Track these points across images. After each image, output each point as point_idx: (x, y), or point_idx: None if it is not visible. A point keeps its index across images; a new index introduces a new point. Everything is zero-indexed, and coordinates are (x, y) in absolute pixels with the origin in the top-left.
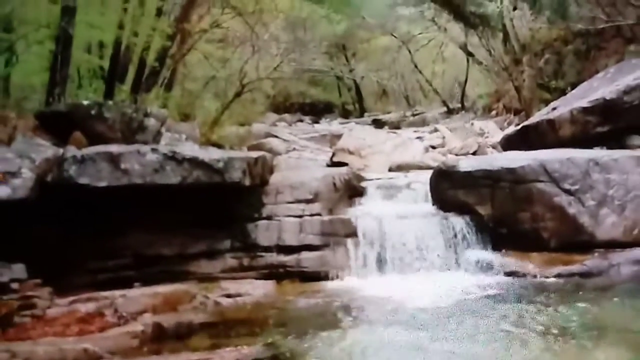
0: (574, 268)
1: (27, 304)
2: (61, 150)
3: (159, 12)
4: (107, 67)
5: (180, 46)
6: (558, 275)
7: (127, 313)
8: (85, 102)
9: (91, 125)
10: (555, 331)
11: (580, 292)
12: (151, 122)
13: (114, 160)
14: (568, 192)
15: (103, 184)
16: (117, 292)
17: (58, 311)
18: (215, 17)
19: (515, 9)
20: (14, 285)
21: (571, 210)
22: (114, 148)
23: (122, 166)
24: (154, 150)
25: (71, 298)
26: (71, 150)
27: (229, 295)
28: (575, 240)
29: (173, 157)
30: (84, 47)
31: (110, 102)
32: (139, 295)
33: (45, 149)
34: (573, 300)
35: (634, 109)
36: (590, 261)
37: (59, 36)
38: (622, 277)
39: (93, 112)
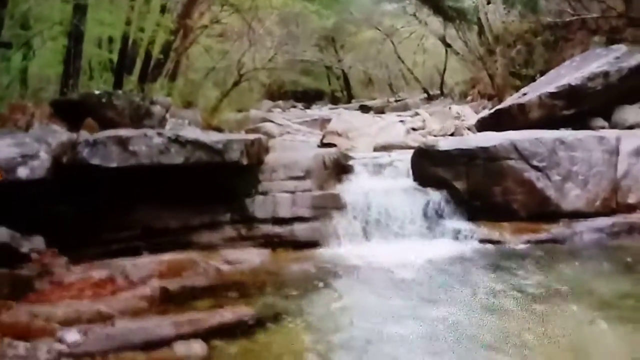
0: (541, 236)
1: (46, 272)
2: (75, 135)
3: (163, 10)
4: (116, 60)
5: (183, 40)
6: (527, 242)
7: (137, 278)
8: (96, 92)
9: (102, 112)
10: (524, 292)
11: (547, 257)
12: (157, 109)
13: (123, 143)
14: (536, 168)
15: (113, 164)
16: (127, 260)
17: (74, 278)
18: (215, 14)
19: (489, 2)
20: (34, 255)
21: (539, 184)
22: (123, 132)
23: (131, 148)
24: (159, 134)
25: (86, 266)
26: (84, 135)
27: (228, 262)
28: (542, 211)
29: (177, 140)
30: (95, 42)
31: (119, 92)
32: (147, 262)
33: (61, 134)
34: (540, 263)
35: (596, 93)
36: (556, 229)
37: (71, 32)
38: (584, 243)
39: (104, 100)
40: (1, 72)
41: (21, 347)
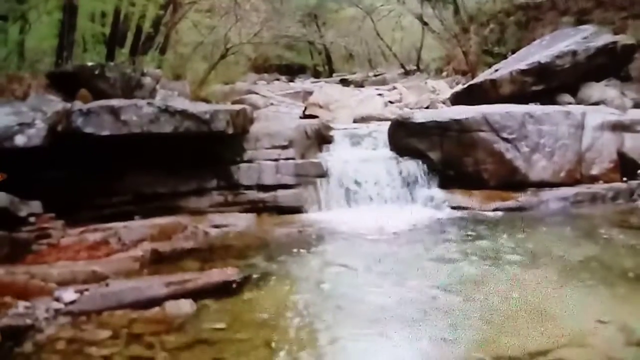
0: (510, 203)
1: (43, 235)
2: (69, 105)
3: None
4: (109, 34)
5: (172, 15)
6: (496, 209)
7: (129, 241)
8: (89, 64)
9: (95, 83)
10: (493, 255)
11: (515, 223)
12: (147, 81)
13: (115, 112)
14: (506, 140)
15: (106, 132)
16: (120, 224)
17: (69, 240)
18: None
19: None
20: (32, 219)
21: (508, 155)
22: (114, 102)
23: (122, 118)
24: (149, 104)
25: (81, 229)
26: (78, 105)
27: (215, 226)
28: (511, 180)
29: (166, 110)
30: (88, 16)
31: (112, 64)
32: (138, 226)
33: (56, 104)
34: (508, 229)
35: (564, 71)
36: (524, 198)
37: (65, 6)
38: (550, 211)
39: (97, 72)
40: None
41: (21, 305)
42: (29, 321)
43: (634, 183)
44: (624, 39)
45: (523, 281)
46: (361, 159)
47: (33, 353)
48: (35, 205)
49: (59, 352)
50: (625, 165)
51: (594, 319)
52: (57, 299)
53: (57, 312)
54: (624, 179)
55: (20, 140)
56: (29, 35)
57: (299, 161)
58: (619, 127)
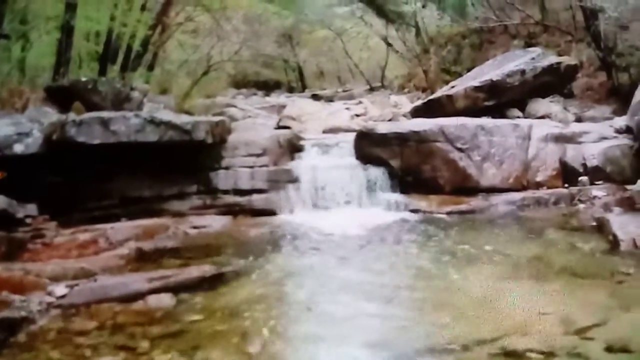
0: (463, 207)
1: (38, 235)
2: (64, 116)
3: (143, 8)
4: (101, 51)
5: (160, 35)
6: (450, 212)
7: (116, 240)
8: (83, 79)
9: (88, 96)
10: (446, 253)
11: (467, 225)
12: (135, 95)
13: (105, 123)
14: (460, 149)
15: (96, 141)
16: (108, 225)
17: (62, 240)
18: (189, 13)
19: (424, 6)
20: (28, 220)
21: (462, 163)
22: (105, 114)
23: (112, 128)
24: (136, 115)
25: (72, 230)
26: (72, 116)
27: (195, 227)
28: (464, 186)
29: (152, 121)
30: (84, 36)
31: (104, 79)
32: (125, 227)
33: (51, 115)
34: (461, 230)
35: (513, 88)
36: (475, 202)
37: (63, 27)
38: (498, 213)
39: (90, 86)
40: (2, 61)
41: (16, 299)
42: (23, 313)
43: (574, 189)
44: (567, 60)
45: (472, 276)
46: (329, 166)
47: (27, 342)
48: (31, 208)
49: (50, 342)
50: (566, 173)
51: (537, 311)
52: (50, 293)
53: (49, 305)
54: (566, 185)
55: (18, 148)
56: (30, 52)
57: (272, 168)
58: (561, 139)
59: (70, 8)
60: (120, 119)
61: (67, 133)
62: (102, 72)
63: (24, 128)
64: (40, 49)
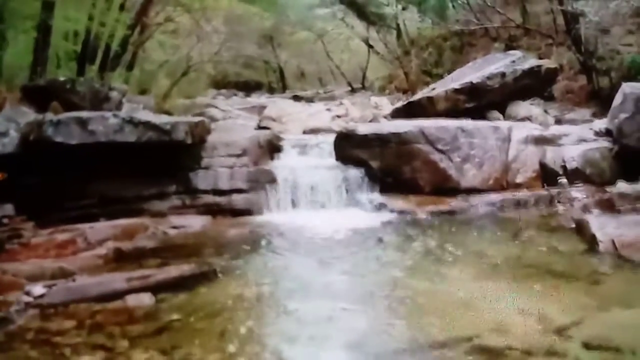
0: (443, 207)
1: (15, 235)
2: (41, 116)
3: (122, 7)
4: (80, 51)
5: (140, 35)
6: (430, 213)
7: (95, 240)
8: (61, 79)
9: (66, 96)
10: (425, 252)
11: (446, 225)
12: (114, 94)
13: (83, 123)
14: (441, 151)
15: (74, 141)
16: (86, 225)
17: (40, 240)
18: (168, 13)
19: (404, 9)
20: (5, 220)
21: (442, 164)
22: (83, 114)
23: (90, 128)
24: (115, 115)
25: (50, 230)
26: (49, 116)
27: (174, 227)
28: (444, 187)
29: (130, 121)
30: (62, 35)
31: (82, 79)
32: (103, 227)
33: (29, 115)
34: (440, 230)
35: (494, 90)
36: (455, 202)
37: (40, 26)
38: (478, 214)
39: (68, 86)
40: None
41: None
42: (1, 313)
43: (553, 190)
44: (547, 63)
45: (451, 276)
46: (309, 166)
47: (4, 342)
48: (8, 208)
49: (28, 342)
50: (546, 175)
51: (515, 309)
52: (27, 293)
53: (27, 305)
54: (545, 186)
55: None
56: (7, 52)
57: (252, 168)
58: (541, 141)
59: (48, 7)
60: (98, 119)
61: (44, 133)
62: (81, 72)
63: (0, 128)
64: (17, 48)
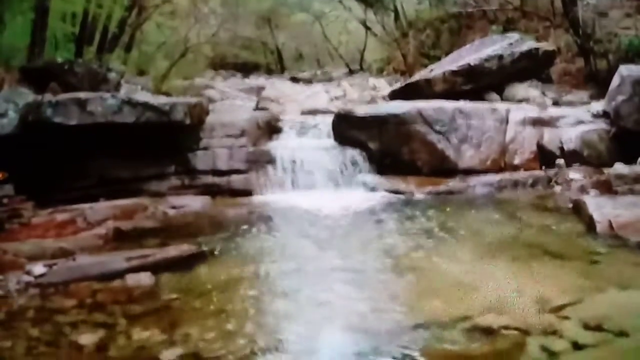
0: (441, 188)
1: (15, 215)
2: (40, 97)
3: None
4: (78, 33)
5: (138, 17)
6: (428, 193)
7: (94, 220)
8: (60, 60)
9: (64, 78)
10: (423, 233)
11: (444, 205)
12: (112, 76)
13: (81, 104)
14: (438, 132)
15: (73, 122)
16: (86, 205)
17: (40, 220)
18: None
19: None
20: (4, 201)
21: (440, 145)
22: (81, 94)
23: (88, 109)
24: (113, 96)
25: (50, 210)
26: (48, 97)
27: (173, 207)
28: (442, 167)
29: (129, 102)
30: (60, 17)
31: (80, 60)
32: (103, 207)
33: (27, 96)
34: (438, 210)
35: (491, 72)
36: (453, 183)
37: (37, 7)
38: (476, 195)
39: (66, 67)
40: None
41: None
42: (1, 292)
43: (551, 171)
44: (545, 46)
45: (449, 256)
46: (307, 147)
47: (5, 321)
48: (8, 188)
49: (29, 320)
50: (543, 156)
51: (512, 289)
52: (28, 273)
53: (28, 284)
54: (543, 167)
55: None
56: (4, 34)
57: (251, 149)
58: (539, 123)
59: None
60: (97, 100)
61: (43, 114)
62: (79, 53)
63: None
64: (14, 29)
